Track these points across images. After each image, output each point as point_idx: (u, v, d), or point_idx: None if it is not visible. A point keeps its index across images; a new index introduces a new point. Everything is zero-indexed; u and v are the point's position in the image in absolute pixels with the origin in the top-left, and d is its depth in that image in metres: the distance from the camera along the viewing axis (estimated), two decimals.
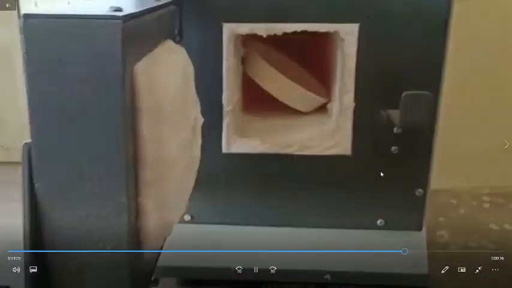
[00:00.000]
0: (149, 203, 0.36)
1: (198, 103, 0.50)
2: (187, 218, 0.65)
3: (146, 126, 0.36)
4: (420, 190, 0.63)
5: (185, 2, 0.57)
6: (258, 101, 0.72)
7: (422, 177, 0.63)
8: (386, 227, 0.65)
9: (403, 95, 0.53)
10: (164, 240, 0.47)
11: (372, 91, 0.60)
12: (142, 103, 0.35)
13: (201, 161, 0.62)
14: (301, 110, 0.70)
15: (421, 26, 0.57)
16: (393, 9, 0.57)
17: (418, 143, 0.61)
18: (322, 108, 0.71)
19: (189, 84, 0.46)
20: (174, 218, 0.42)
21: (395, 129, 0.60)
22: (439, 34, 0.57)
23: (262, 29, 0.58)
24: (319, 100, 0.70)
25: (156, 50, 0.39)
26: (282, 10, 0.57)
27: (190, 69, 0.47)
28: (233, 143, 0.63)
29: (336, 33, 0.59)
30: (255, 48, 0.68)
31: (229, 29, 0.58)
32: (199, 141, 0.50)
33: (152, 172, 0.37)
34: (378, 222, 0.65)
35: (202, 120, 0.51)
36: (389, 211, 0.64)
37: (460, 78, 1.28)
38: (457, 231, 1.14)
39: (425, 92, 0.53)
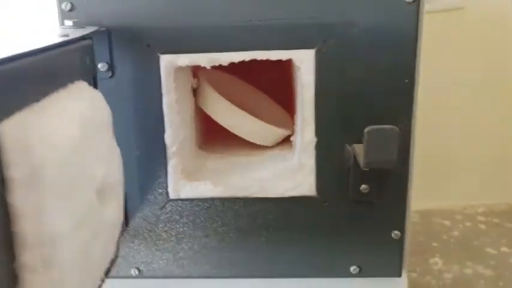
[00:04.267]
0: None
1: (117, 153, 0.42)
2: (134, 272, 0.57)
3: (21, 200, 0.28)
4: (397, 232, 0.56)
5: (114, 33, 0.50)
6: (220, 134, 0.65)
7: (398, 217, 0.56)
8: (362, 274, 0.57)
9: (366, 130, 0.46)
10: None
11: (336, 124, 0.53)
12: (14, 171, 0.28)
13: (147, 208, 0.56)
14: (262, 143, 0.63)
15: (388, 49, 0.50)
16: (355, 31, 0.50)
17: (390, 180, 0.54)
18: (289, 141, 0.63)
19: (99, 134, 0.39)
20: None
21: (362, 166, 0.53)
22: (408, 57, 0.50)
23: (204, 59, 0.50)
24: (280, 133, 0.63)
25: (44, 100, 0.32)
26: (226, 37, 0.50)
27: (103, 114, 0.40)
28: (182, 188, 0.55)
29: (291, 60, 0.52)
30: (207, 77, 0.61)
31: (167, 61, 0.51)
32: (115, 202, 0.42)
33: (35, 255, 0.29)
34: (352, 269, 0.57)
35: (120, 176, 0.43)
36: (364, 256, 0.57)
37: (451, 92, 1.21)
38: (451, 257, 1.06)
39: (391, 126, 0.46)
